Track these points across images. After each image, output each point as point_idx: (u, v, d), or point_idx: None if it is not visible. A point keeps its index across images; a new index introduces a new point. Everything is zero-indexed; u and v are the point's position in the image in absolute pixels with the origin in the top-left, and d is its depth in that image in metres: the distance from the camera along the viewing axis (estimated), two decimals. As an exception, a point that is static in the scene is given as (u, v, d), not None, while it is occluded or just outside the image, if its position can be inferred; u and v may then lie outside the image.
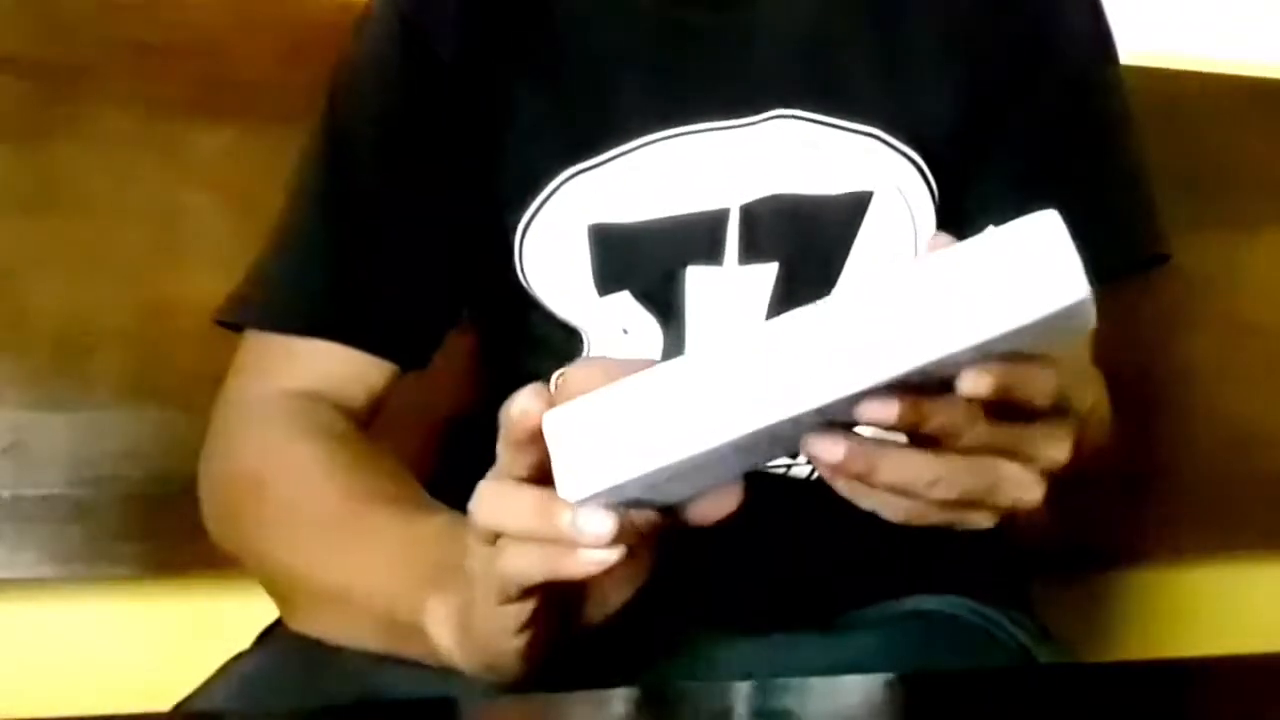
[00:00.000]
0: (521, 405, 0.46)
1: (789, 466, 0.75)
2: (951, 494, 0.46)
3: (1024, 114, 0.75)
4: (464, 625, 0.54)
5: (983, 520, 0.48)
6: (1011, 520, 0.48)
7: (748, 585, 0.69)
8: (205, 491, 0.73)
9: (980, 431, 0.45)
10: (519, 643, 0.51)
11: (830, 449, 0.44)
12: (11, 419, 0.97)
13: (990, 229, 0.40)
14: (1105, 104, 0.78)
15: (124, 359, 0.99)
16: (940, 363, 0.40)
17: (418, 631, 0.56)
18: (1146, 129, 0.79)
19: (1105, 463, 0.66)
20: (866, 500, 0.46)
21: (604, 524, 0.44)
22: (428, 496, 0.65)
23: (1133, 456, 0.86)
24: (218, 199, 1.01)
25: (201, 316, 0.77)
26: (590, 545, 0.45)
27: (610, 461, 0.43)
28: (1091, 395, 0.71)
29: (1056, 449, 0.48)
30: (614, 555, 0.45)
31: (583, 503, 0.44)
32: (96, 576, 1.00)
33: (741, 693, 0.45)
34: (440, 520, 0.60)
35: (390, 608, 0.58)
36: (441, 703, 0.53)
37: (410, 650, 0.58)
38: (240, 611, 0.68)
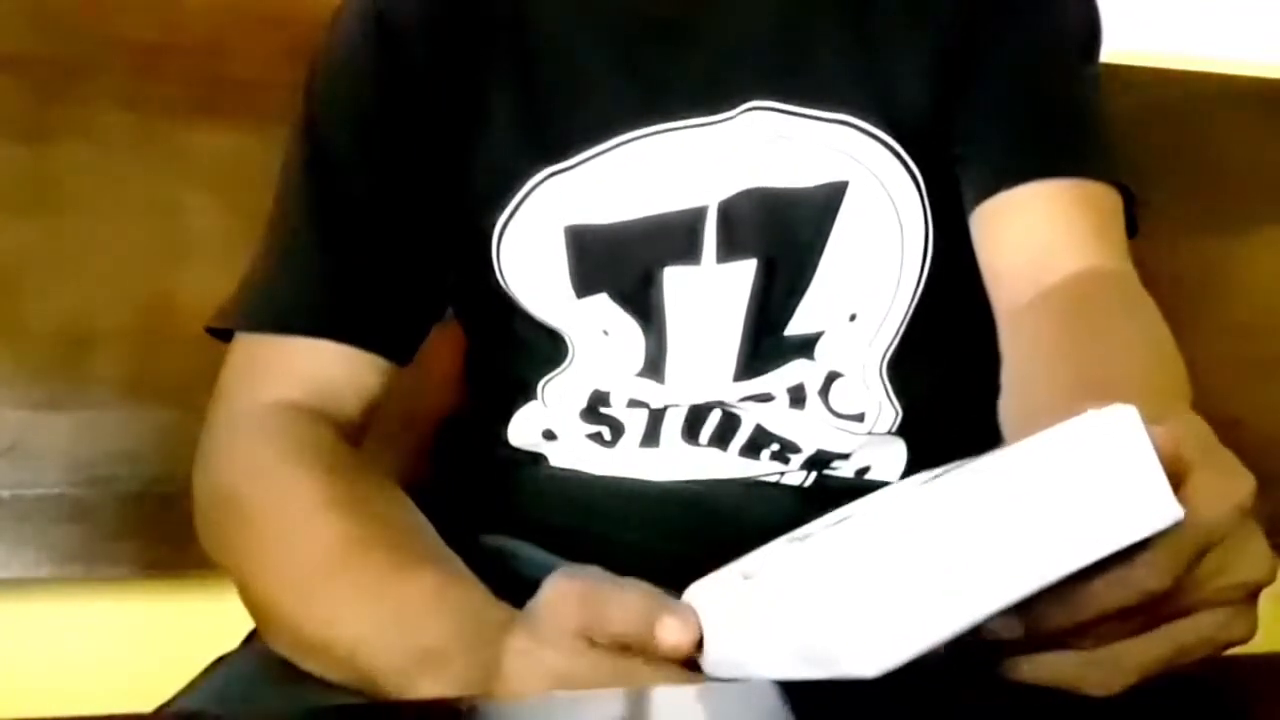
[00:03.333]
0: (674, 640, 0.46)
1: (782, 474, 0.75)
2: (1147, 664, 0.42)
3: (994, 79, 0.74)
4: (494, 684, 0.52)
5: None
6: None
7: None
8: (196, 503, 0.72)
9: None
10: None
11: None
12: (11, 419, 0.97)
13: (1066, 427, 0.39)
14: (1072, 58, 0.77)
15: (124, 359, 0.99)
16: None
17: (401, 696, 0.56)
18: (1147, 129, 0.79)
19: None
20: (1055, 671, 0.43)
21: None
22: (423, 536, 0.64)
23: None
24: (218, 199, 1.01)
25: (201, 316, 0.77)
26: None
27: (743, 656, 0.44)
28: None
29: (1249, 567, 0.42)
30: None
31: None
32: (96, 576, 1.00)
33: (739, 692, 0.45)
34: (427, 583, 0.59)
35: (371, 673, 0.57)
36: (435, 705, 0.53)
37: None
38: (239, 612, 0.68)
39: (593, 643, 0.49)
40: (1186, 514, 0.39)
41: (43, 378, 0.98)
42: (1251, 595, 0.43)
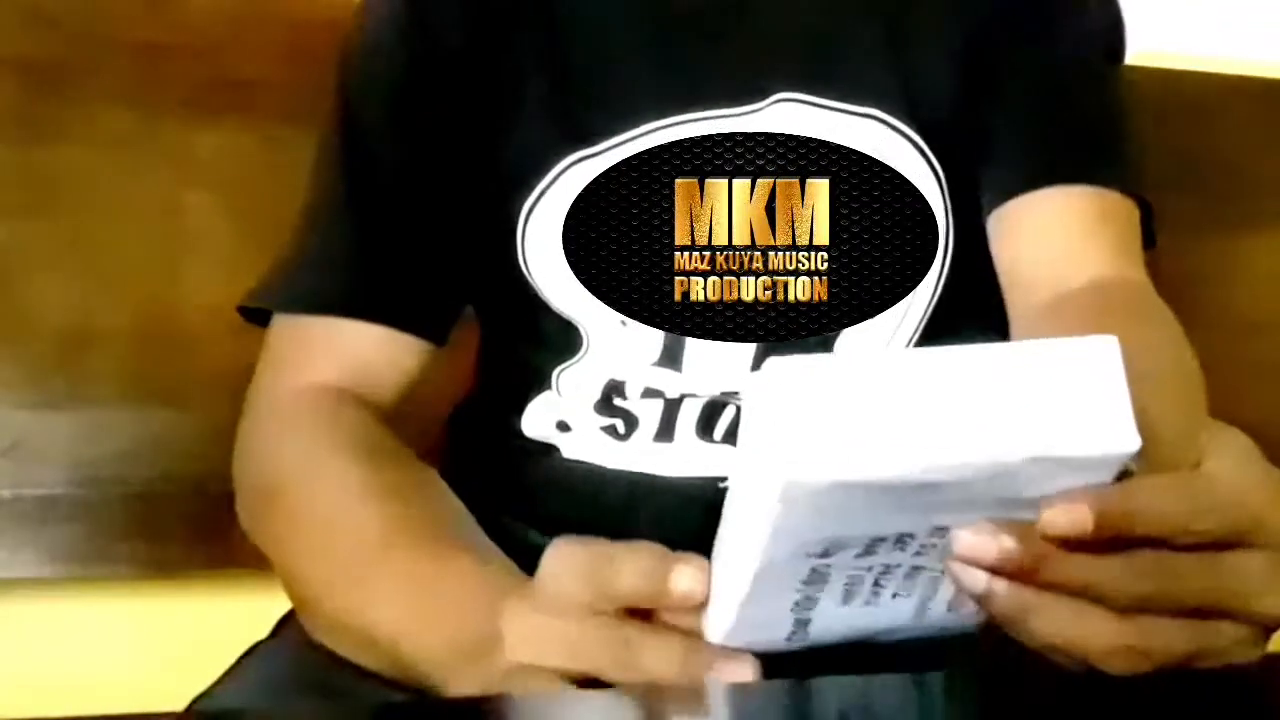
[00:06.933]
0: (686, 587, 0.46)
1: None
2: (1168, 651, 0.42)
3: (1020, 79, 0.74)
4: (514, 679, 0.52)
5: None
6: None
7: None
8: (237, 490, 0.72)
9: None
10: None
11: (985, 543, 0.41)
12: (11, 419, 0.97)
13: (1052, 339, 0.40)
14: (1099, 62, 0.78)
15: (124, 359, 0.99)
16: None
17: (438, 689, 0.55)
18: (1147, 129, 0.79)
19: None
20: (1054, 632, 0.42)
21: (745, 674, 0.45)
22: (463, 524, 0.64)
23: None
24: (218, 199, 1.01)
25: (202, 317, 0.77)
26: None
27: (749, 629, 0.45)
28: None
29: (1275, 602, 0.42)
30: (751, 674, 0.46)
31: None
32: (96, 576, 1.00)
33: (742, 691, 0.45)
34: (468, 573, 0.58)
35: (414, 664, 0.57)
36: (458, 704, 0.52)
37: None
38: (241, 611, 0.68)
39: (596, 610, 0.48)
40: (1169, 483, 0.41)
41: (43, 378, 0.98)
42: (1269, 629, 0.44)
